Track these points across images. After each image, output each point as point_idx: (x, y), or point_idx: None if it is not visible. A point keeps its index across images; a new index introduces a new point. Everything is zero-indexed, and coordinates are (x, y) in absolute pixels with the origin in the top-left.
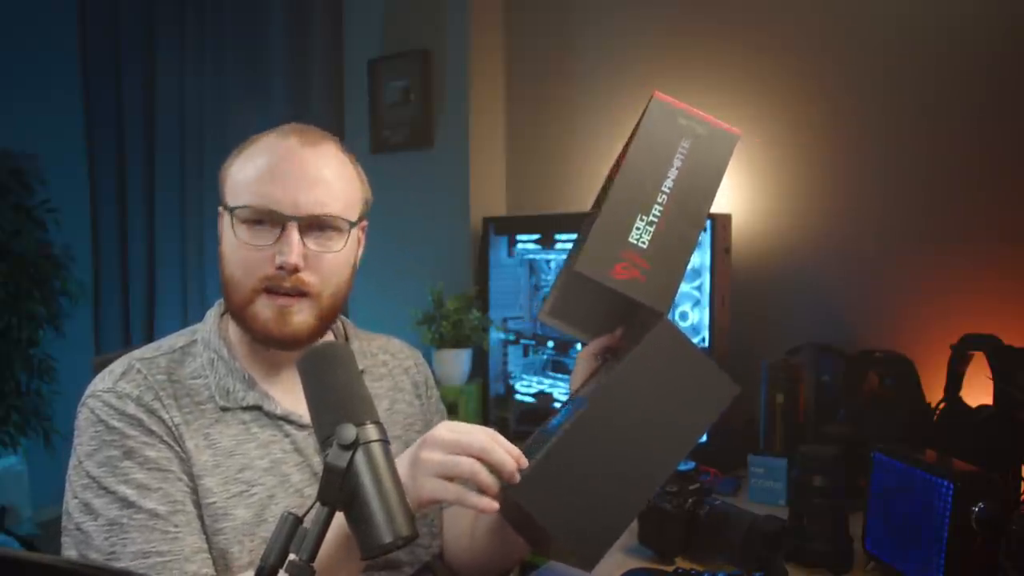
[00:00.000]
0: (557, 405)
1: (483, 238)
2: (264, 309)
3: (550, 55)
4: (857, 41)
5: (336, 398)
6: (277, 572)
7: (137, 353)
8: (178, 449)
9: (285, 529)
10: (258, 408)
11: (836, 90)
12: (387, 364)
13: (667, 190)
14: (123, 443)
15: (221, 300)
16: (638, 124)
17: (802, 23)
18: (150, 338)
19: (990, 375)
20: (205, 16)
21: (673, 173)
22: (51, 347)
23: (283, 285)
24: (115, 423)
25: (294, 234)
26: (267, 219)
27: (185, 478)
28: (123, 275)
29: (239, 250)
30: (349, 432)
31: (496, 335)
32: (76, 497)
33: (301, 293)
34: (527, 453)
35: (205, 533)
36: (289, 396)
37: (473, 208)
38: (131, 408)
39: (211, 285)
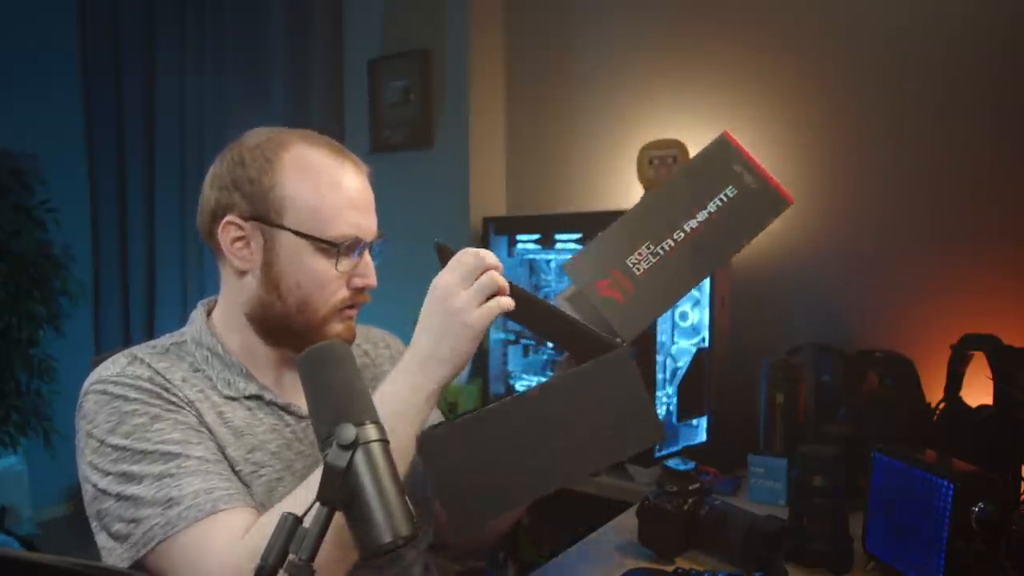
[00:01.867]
0: None
1: (483, 238)
2: (338, 324)
3: (550, 55)
4: (857, 41)
5: (335, 397)
6: (277, 572)
7: (135, 348)
8: (200, 419)
9: (285, 529)
10: (259, 397)
11: (836, 90)
12: (369, 354)
13: (688, 229)
14: (147, 411)
15: (205, 301)
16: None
17: (802, 23)
18: (150, 338)
19: (990, 375)
20: (205, 16)
21: (703, 215)
22: (51, 347)
23: (359, 302)
24: (134, 395)
25: (369, 258)
26: (354, 247)
27: (213, 439)
28: (123, 275)
29: (326, 275)
30: (349, 432)
31: (496, 335)
32: (109, 474)
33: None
34: None
35: None
36: (285, 391)
37: (473, 208)
38: (146, 384)
39: (211, 285)
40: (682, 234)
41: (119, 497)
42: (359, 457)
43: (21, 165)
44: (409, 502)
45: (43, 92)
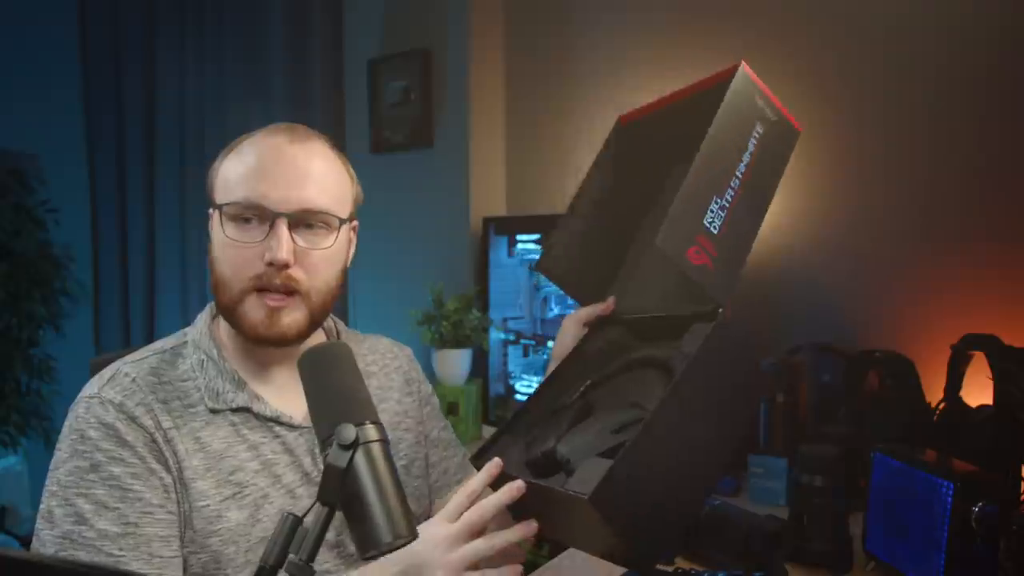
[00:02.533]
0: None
1: (483, 238)
2: (254, 309)
3: (550, 55)
4: (857, 42)
5: (336, 398)
6: (277, 572)
7: (128, 357)
8: (159, 455)
9: (285, 529)
10: (247, 410)
11: (836, 90)
12: (376, 363)
13: (739, 174)
14: (92, 456)
15: (213, 302)
16: (705, 85)
17: (802, 23)
18: (150, 338)
19: (990, 375)
20: (205, 16)
21: (747, 157)
22: (51, 347)
23: (273, 283)
24: (91, 433)
25: (283, 230)
26: (256, 216)
27: (148, 496)
28: (123, 275)
29: (228, 248)
30: (349, 432)
31: (496, 335)
32: (44, 502)
33: (291, 291)
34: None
35: (193, 539)
36: (279, 397)
37: (473, 208)
38: (110, 416)
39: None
40: (737, 180)
41: (37, 533)
42: (359, 457)
43: (21, 165)
44: (409, 502)
45: (43, 92)
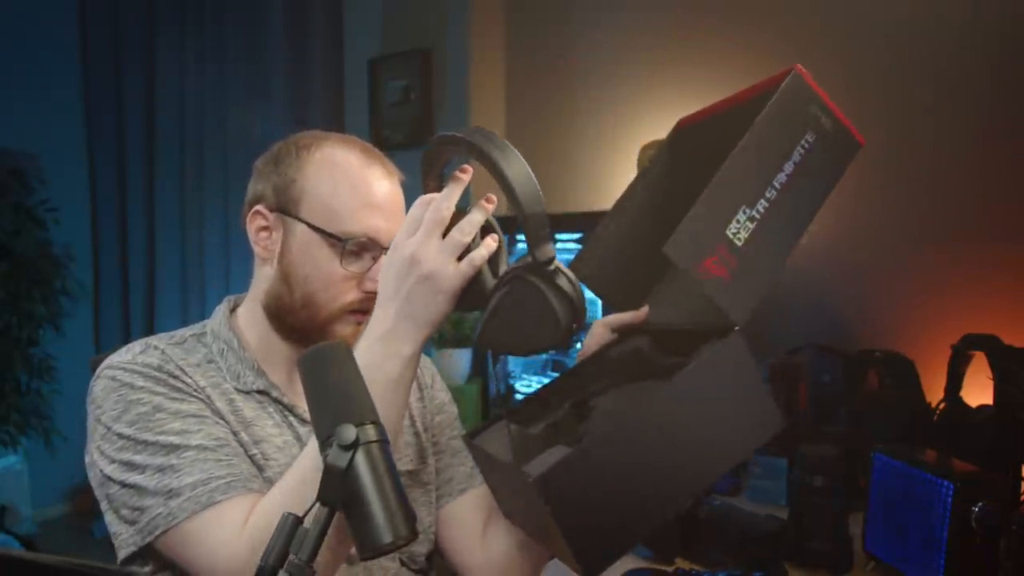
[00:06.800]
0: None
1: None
2: (345, 326)
3: (550, 55)
4: (857, 42)
5: (335, 398)
6: (277, 572)
7: (152, 337)
8: (210, 404)
9: (285, 529)
10: (266, 393)
11: (836, 90)
12: None
13: (778, 185)
14: (151, 400)
15: (229, 298)
16: (763, 88)
17: (802, 23)
18: None
19: (990, 375)
20: (205, 16)
21: (789, 167)
22: (51, 346)
23: (369, 307)
24: (140, 383)
25: None
26: (368, 249)
27: (223, 422)
28: (123, 275)
29: (333, 274)
30: (349, 432)
31: None
32: (114, 462)
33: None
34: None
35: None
36: (295, 392)
37: None
38: (154, 372)
39: (211, 285)
40: (774, 192)
41: (123, 485)
42: (359, 457)
43: (21, 165)
44: (409, 502)
45: (43, 92)
